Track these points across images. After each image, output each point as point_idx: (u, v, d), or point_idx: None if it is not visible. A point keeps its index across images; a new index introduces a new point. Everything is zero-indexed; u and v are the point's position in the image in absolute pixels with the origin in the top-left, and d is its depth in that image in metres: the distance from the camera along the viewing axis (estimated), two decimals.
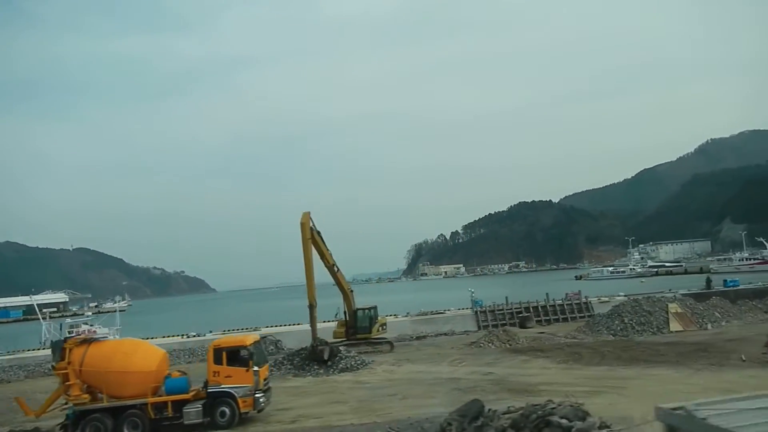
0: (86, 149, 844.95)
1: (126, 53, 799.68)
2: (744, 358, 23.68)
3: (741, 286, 48.72)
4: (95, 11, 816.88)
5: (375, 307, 35.77)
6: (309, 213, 31.54)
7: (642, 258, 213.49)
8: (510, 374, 24.72)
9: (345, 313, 35.17)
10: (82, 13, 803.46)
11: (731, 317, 35.56)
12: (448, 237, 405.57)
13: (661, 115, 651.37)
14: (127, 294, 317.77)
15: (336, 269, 33.77)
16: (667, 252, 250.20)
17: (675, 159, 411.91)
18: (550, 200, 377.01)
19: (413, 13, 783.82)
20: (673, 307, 34.33)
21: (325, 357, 28.94)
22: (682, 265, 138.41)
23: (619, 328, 33.96)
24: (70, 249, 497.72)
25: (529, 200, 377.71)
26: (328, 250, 33.01)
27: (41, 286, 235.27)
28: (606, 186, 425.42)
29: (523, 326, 40.78)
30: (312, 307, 30.14)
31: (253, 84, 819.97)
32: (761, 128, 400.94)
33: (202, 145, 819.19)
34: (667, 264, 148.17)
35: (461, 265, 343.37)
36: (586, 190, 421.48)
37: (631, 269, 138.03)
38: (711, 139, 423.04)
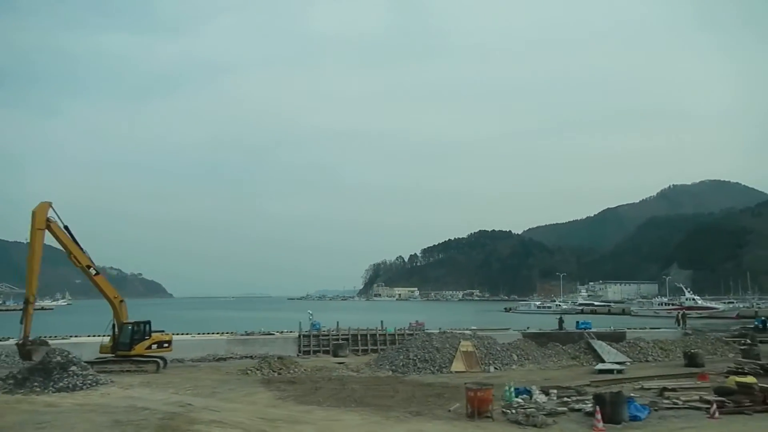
0: (57, 143, 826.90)
1: (109, 50, 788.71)
2: (451, 410, 21.43)
3: (593, 329, 47.14)
4: (82, 5, 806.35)
5: (148, 323, 32.75)
6: (49, 203, 28.96)
7: (589, 295, 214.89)
8: (206, 408, 21.90)
9: (114, 326, 32.22)
10: (67, 5, 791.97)
11: (528, 361, 33.12)
12: (406, 259, 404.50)
13: (629, 157, 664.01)
14: (68, 293, 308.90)
15: (94, 272, 30.73)
16: (615, 292, 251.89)
17: (638, 201, 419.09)
18: (510, 231, 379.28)
19: (394, 36, 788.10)
20: (465, 345, 31.84)
21: (35, 358, 26.04)
22: (608, 306, 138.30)
23: (401, 364, 31.14)
24: (24, 242, 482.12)
25: (489, 229, 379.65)
26: (81, 249, 30.07)
27: None
28: (569, 222, 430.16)
29: (335, 354, 38.27)
30: (28, 302, 27.39)
31: (232, 90, 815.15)
32: (721, 179, 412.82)
33: (174, 147, 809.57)
34: (595, 303, 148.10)
35: (416, 289, 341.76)
36: (549, 224, 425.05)
37: (557, 305, 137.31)
38: (673, 184, 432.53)
